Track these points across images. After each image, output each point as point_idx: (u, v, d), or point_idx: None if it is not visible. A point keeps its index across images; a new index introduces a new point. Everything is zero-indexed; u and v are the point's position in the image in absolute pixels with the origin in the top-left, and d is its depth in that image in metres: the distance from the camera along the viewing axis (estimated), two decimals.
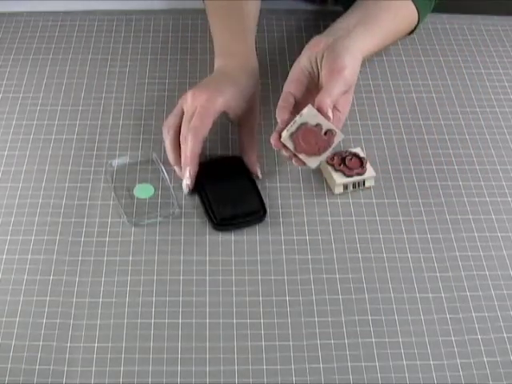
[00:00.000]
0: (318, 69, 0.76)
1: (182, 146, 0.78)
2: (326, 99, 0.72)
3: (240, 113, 0.81)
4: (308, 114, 0.71)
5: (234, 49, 0.86)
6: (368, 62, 0.94)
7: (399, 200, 0.78)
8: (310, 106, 0.72)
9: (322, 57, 0.76)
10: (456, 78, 0.94)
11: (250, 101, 0.81)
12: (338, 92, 0.73)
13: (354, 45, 0.79)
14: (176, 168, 0.79)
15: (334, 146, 0.73)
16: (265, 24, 1.00)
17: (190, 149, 0.76)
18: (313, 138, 0.72)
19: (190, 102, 0.78)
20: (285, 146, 0.73)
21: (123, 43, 0.97)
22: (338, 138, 0.73)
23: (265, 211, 0.75)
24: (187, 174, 0.76)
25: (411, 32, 0.93)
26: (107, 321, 0.67)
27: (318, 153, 0.73)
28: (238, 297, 0.69)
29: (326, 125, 0.72)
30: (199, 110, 0.77)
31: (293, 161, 0.74)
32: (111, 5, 1.02)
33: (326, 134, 0.72)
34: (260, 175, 0.80)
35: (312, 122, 0.72)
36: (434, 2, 0.94)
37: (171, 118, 0.80)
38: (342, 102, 0.75)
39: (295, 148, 0.72)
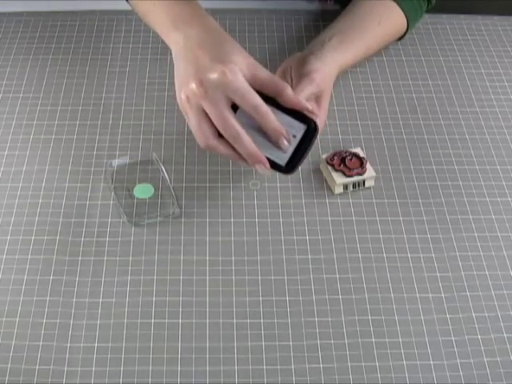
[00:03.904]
0: (290, 80, 0.78)
1: (234, 145, 0.69)
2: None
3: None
4: None
5: (198, 12, 0.75)
6: (368, 61, 0.94)
7: (399, 200, 0.78)
8: None
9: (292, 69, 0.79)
10: (456, 78, 0.94)
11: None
12: (306, 93, 0.74)
13: (326, 54, 0.81)
14: (258, 167, 0.70)
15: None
16: (265, 24, 1.00)
17: (249, 145, 0.68)
18: None
19: (207, 92, 0.67)
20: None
21: (123, 43, 0.97)
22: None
23: (315, 124, 0.70)
24: (266, 169, 0.70)
25: (403, 36, 0.94)
26: (107, 321, 0.67)
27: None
28: (237, 297, 0.69)
29: None
30: (232, 89, 0.67)
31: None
32: (111, 5, 1.02)
33: None
34: (310, 107, 0.71)
35: None
36: (427, 5, 0.94)
37: (199, 129, 0.69)
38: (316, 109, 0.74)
39: None
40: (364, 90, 0.91)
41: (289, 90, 0.69)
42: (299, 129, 0.71)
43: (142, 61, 0.94)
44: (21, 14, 1.01)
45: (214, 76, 0.67)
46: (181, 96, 0.70)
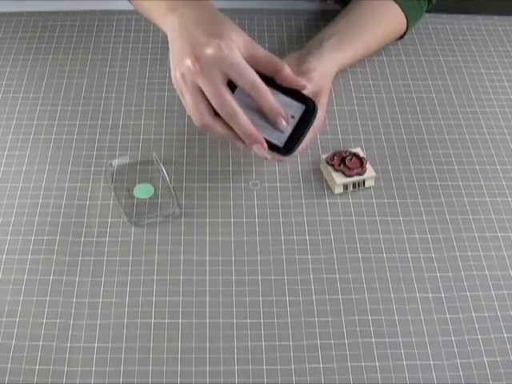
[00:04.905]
0: None
1: (231, 123, 0.68)
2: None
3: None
4: None
5: None
6: (368, 61, 0.94)
7: (399, 200, 0.78)
8: None
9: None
10: (456, 78, 0.94)
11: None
12: (304, 92, 0.73)
13: (324, 54, 0.80)
14: (256, 148, 0.69)
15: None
16: (265, 24, 1.00)
17: (246, 124, 0.67)
18: None
19: (202, 68, 0.66)
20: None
21: (123, 43, 0.97)
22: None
23: (314, 104, 0.70)
24: (265, 151, 0.69)
25: (402, 36, 0.94)
26: (107, 321, 0.67)
27: None
28: (237, 297, 0.69)
29: None
30: (228, 64, 0.65)
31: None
32: (111, 5, 1.02)
33: None
34: (306, 84, 0.71)
35: None
36: (427, 5, 0.95)
37: (195, 108, 0.68)
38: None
39: None
40: (364, 90, 0.91)
41: (287, 69, 0.68)
42: (298, 109, 0.69)
43: (141, 61, 0.94)
44: (21, 14, 1.01)
45: (209, 51, 0.66)
46: (176, 74, 0.68)
